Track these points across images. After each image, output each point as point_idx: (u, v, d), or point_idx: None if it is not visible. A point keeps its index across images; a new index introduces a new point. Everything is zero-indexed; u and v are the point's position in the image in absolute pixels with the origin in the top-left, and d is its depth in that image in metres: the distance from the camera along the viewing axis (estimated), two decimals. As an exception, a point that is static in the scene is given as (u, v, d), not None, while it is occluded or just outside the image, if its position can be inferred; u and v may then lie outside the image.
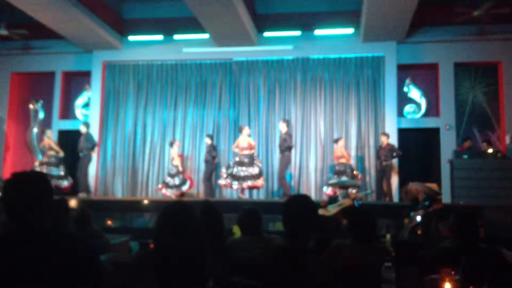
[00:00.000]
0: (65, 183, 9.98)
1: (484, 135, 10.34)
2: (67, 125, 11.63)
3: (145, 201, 8.74)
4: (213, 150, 10.08)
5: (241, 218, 3.58)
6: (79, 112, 11.86)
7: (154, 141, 11.26)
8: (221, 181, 9.43)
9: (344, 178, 8.88)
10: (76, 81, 12.06)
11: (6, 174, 11.03)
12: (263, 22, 10.92)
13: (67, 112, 11.99)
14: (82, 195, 9.47)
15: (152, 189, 11.07)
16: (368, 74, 10.69)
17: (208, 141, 10.10)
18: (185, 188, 9.86)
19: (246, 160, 9.27)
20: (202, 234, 2.15)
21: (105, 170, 11.25)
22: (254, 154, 9.46)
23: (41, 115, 11.78)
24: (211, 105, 11.18)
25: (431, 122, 10.64)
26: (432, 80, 10.81)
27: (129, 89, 11.52)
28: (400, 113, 10.67)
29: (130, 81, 11.54)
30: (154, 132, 11.30)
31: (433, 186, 7.68)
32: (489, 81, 10.68)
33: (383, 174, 9.74)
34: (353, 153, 10.32)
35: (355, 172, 9.57)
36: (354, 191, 8.56)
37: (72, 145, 10.33)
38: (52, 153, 10.01)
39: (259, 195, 10.44)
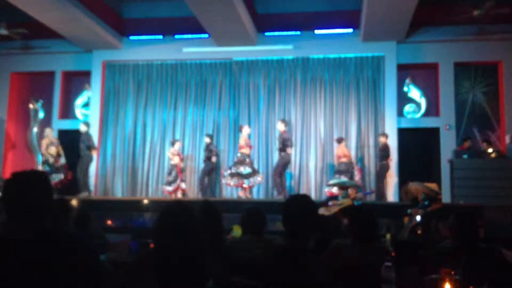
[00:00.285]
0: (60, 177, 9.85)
1: (484, 135, 10.34)
2: (67, 125, 11.62)
3: (145, 201, 8.74)
4: (211, 149, 10.04)
5: (244, 217, 3.57)
6: (79, 112, 11.86)
7: (154, 141, 11.27)
8: (228, 182, 9.44)
9: (344, 179, 8.88)
10: (76, 80, 12.05)
11: (6, 174, 11.02)
12: (263, 21, 10.92)
13: (67, 112, 11.99)
14: (83, 194, 9.46)
15: (152, 188, 11.08)
16: (368, 74, 10.69)
17: (207, 140, 10.10)
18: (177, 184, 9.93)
19: (241, 158, 9.34)
20: (202, 234, 2.15)
21: (105, 170, 11.25)
22: (245, 154, 9.43)
23: (41, 114, 11.77)
24: (211, 105, 11.18)
25: (431, 122, 10.64)
26: (432, 80, 10.81)
27: (129, 89, 11.52)
28: (400, 113, 10.67)
29: (130, 81, 11.54)
30: (154, 132, 11.30)
31: (433, 186, 7.68)
32: (489, 81, 10.67)
33: (376, 174, 9.79)
34: (353, 153, 10.31)
35: (357, 169, 9.59)
36: (354, 191, 8.58)
37: (72, 145, 10.31)
38: (51, 151, 9.92)
39: (259, 195, 10.44)
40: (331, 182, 9.03)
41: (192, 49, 11.13)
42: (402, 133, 10.51)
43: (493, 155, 9.05)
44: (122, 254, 4.42)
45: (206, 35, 10.80)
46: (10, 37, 10.92)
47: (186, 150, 11.05)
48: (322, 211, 6.42)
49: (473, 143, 9.88)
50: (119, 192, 11.17)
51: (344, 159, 9.59)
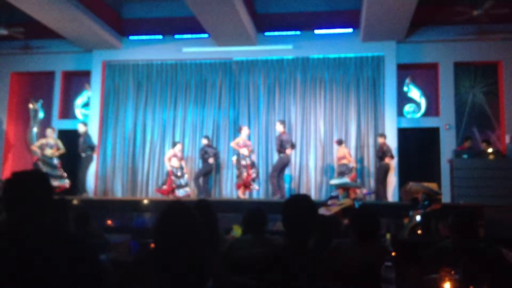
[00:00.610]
0: (60, 183, 9.81)
1: (484, 135, 10.35)
2: (66, 124, 11.62)
3: (145, 201, 8.73)
4: (206, 151, 10.02)
5: (246, 216, 3.57)
6: (78, 111, 11.86)
7: (154, 141, 11.26)
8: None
9: (345, 179, 8.88)
10: (76, 80, 12.05)
11: (6, 173, 11.02)
12: (263, 21, 10.92)
13: (67, 111, 11.98)
14: (83, 195, 9.46)
15: (152, 188, 11.07)
16: (368, 73, 10.69)
17: (204, 141, 10.09)
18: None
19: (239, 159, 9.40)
20: (202, 234, 2.15)
21: (105, 170, 11.25)
22: (240, 156, 9.43)
23: (41, 114, 11.78)
24: (211, 105, 11.18)
25: (431, 122, 10.64)
26: (432, 80, 10.81)
27: (129, 89, 11.52)
28: (400, 113, 10.67)
29: (130, 81, 11.54)
30: (154, 132, 11.30)
31: (433, 186, 7.68)
32: (489, 80, 10.68)
33: (375, 174, 9.81)
34: (352, 152, 10.32)
35: (352, 176, 9.58)
36: (355, 191, 8.59)
37: (72, 144, 10.31)
38: (46, 152, 9.87)
39: (259, 195, 10.44)
40: (333, 182, 9.02)
41: (192, 49, 11.13)
42: (402, 133, 10.51)
43: (492, 155, 9.05)
44: (122, 254, 4.42)
45: (206, 35, 10.80)
46: (10, 37, 10.93)
47: (186, 150, 11.04)
48: (322, 211, 6.42)
49: (473, 143, 9.89)
50: (119, 192, 11.16)
51: (344, 161, 9.60)
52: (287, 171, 10.03)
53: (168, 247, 2.03)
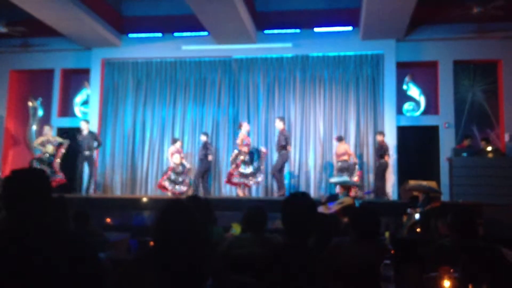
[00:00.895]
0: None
1: (483, 133, 10.35)
2: (66, 122, 11.62)
3: (144, 199, 8.73)
4: (207, 148, 10.04)
5: (246, 215, 3.57)
6: (78, 109, 11.85)
7: (153, 139, 11.26)
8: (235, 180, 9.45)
9: (345, 177, 8.89)
10: (75, 78, 12.04)
11: (6, 171, 11.01)
12: (262, 19, 10.91)
13: (66, 109, 11.97)
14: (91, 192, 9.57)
15: (151, 186, 11.08)
16: (368, 72, 10.68)
17: (204, 138, 10.09)
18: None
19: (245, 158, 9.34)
20: (202, 232, 2.15)
21: (104, 168, 11.25)
22: (244, 152, 9.43)
23: (40, 112, 11.76)
24: (210, 103, 11.17)
25: (430, 120, 10.64)
26: (432, 78, 10.80)
27: (128, 87, 11.51)
28: (399, 111, 10.67)
29: (129, 79, 11.53)
30: (153, 130, 11.30)
31: (432, 184, 7.69)
32: (488, 79, 10.67)
33: (375, 173, 9.79)
34: (352, 150, 10.32)
35: (358, 173, 9.58)
36: (355, 190, 8.58)
37: (72, 143, 10.29)
38: (47, 149, 9.86)
39: (259, 194, 10.44)
40: (333, 180, 9.03)
41: (192, 47, 11.12)
42: (401, 131, 10.51)
43: (491, 153, 9.06)
44: (121, 252, 4.43)
45: (205, 33, 10.79)
46: (9, 35, 10.91)
47: (185, 148, 11.03)
48: (321, 209, 6.42)
49: (473, 141, 9.89)
50: (118, 190, 11.16)
51: (345, 157, 9.60)
52: (286, 169, 10.02)
53: (167, 245, 2.03)
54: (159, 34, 11.40)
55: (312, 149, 10.69)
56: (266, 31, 11.01)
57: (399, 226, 6.29)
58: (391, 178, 10.03)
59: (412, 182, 8.07)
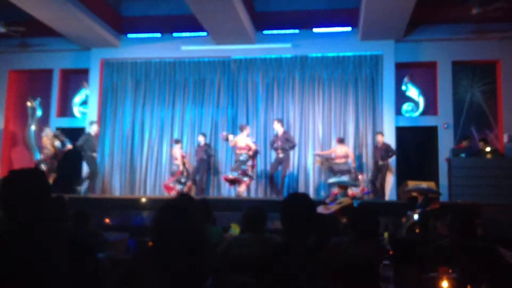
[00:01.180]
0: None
1: (482, 134, 10.36)
2: (65, 123, 11.60)
3: (143, 199, 8.74)
4: (209, 148, 10.08)
5: (245, 215, 3.56)
6: (77, 110, 11.84)
7: (152, 139, 11.25)
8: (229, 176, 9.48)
9: (344, 178, 8.88)
10: (74, 78, 12.02)
11: (4, 172, 11.00)
12: (261, 20, 10.91)
13: (65, 110, 11.96)
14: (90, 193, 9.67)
15: (150, 187, 11.07)
16: (367, 72, 10.69)
17: (203, 139, 10.07)
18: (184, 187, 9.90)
19: (242, 159, 9.33)
20: (201, 232, 2.14)
21: (103, 168, 11.23)
22: (249, 155, 9.44)
23: (38, 112, 11.73)
24: (209, 103, 11.17)
25: (429, 121, 10.65)
26: (430, 79, 10.81)
27: (127, 87, 11.50)
28: (398, 112, 10.67)
29: (128, 79, 11.52)
30: (152, 130, 11.29)
31: (431, 184, 7.69)
32: (487, 79, 10.68)
33: (378, 173, 9.77)
34: (351, 151, 10.32)
35: (360, 177, 9.60)
36: (353, 190, 8.58)
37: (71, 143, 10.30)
38: (48, 151, 9.93)
39: (258, 194, 10.44)
40: (332, 180, 9.03)
41: (191, 47, 11.11)
42: (400, 131, 10.51)
43: (490, 154, 9.07)
44: (120, 252, 4.42)
45: (204, 33, 10.79)
46: (8, 35, 10.90)
47: (184, 148, 11.01)
48: (321, 209, 6.43)
49: (471, 142, 9.90)
50: (117, 190, 11.15)
51: (344, 159, 9.63)
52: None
53: (166, 245, 2.03)
54: (158, 35, 11.40)
55: (311, 150, 10.68)
56: (265, 32, 11.01)
57: (398, 226, 6.30)
58: (390, 179, 10.04)
59: (411, 183, 8.08)
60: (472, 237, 3.16)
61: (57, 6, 9.27)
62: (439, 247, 3.25)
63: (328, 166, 10.10)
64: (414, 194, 7.03)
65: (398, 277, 2.87)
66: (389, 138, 10.05)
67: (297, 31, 10.94)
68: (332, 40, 10.80)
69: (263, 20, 10.94)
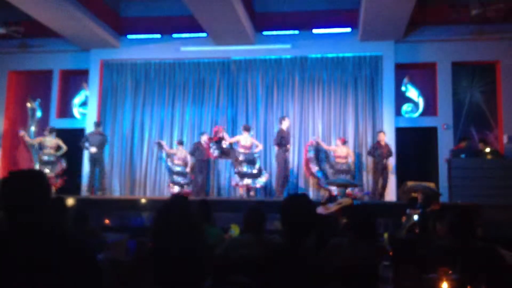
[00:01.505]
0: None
1: (482, 135, 10.36)
2: (64, 123, 11.58)
3: (143, 200, 8.72)
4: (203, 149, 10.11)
5: (245, 216, 3.57)
6: (76, 110, 11.83)
7: (151, 140, 11.24)
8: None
9: (343, 178, 8.88)
10: (74, 79, 12.02)
11: (3, 173, 10.99)
12: (261, 20, 10.92)
13: (65, 110, 11.95)
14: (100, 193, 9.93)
15: (150, 187, 11.07)
16: (366, 73, 10.69)
17: (205, 138, 10.09)
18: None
19: (250, 158, 9.36)
20: (201, 232, 2.15)
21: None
22: (256, 154, 9.52)
23: (38, 113, 11.73)
24: (209, 104, 11.17)
25: (428, 121, 10.65)
26: (430, 79, 10.81)
27: (127, 88, 11.50)
28: (398, 112, 10.68)
29: (128, 80, 11.52)
30: (151, 131, 11.29)
31: (431, 185, 7.69)
32: (486, 80, 10.69)
33: (381, 172, 9.74)
34: (351, 152, 10.32)
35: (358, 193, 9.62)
36: (353, 190, 8.58)
37: (70, 144, 10.29)
38: (48, 151, 9.97)
39: (259, 194, 10.43)
40: (331, 180, 9.03)
41: (190, 48, 11.12)
42: (400, 132, 10.51)
43: (490, 155, 9.06)
44: (120, 253, 4.42)
45: (204, 34, 10.79)
46: (7, 36, 10.90)
47: (184, 149, 11.00)
48: (320, 210, 6.42)
49: (471, 142, 9.90)
50: (117, 191, 11.15)
51: (345, 160, 9.64)
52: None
53: (166, 246, 2.03)
54: (158, 35, 11.40)
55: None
56: (265, 32, 11.02)
57: (398, 227, 6.29)
58: (390, 179, 10.02)
59: (410, 183, 8.07)
60: (472, 238, 3.16)
61: (56, 7, 9.27)
62: (439, 248, 3.25)
63: (329, 166, 10.06)
64: (414, 194, 7.03)
65: (397, 278, 2.86)
66: (389, 139, 10.05)
67: (296, 32, 10.95)
68: (331, 41, 10.80)
69: (263, 21, 10.94)
